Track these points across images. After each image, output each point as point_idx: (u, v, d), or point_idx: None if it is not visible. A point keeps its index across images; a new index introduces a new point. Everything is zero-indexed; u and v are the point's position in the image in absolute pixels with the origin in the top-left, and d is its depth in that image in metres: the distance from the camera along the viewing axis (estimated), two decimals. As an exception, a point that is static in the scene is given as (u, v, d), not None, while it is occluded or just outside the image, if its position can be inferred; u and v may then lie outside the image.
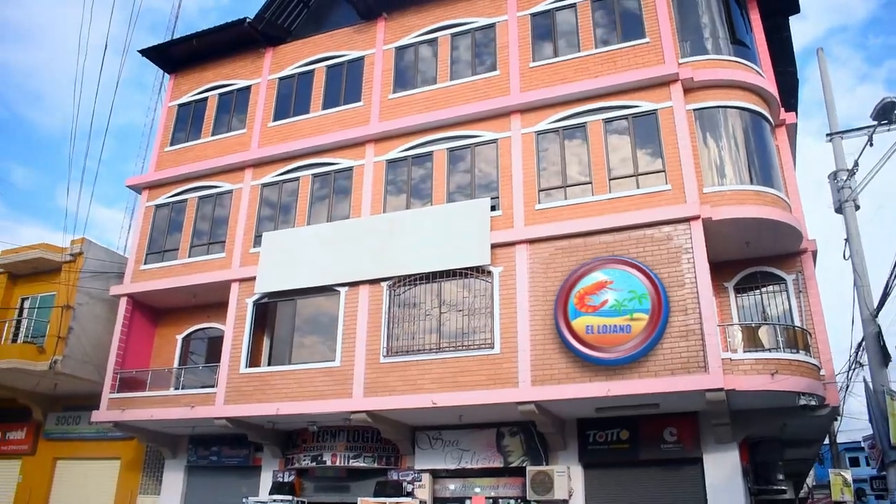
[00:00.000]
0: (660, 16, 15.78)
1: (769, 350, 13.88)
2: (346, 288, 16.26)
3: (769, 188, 14.84)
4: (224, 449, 18.40)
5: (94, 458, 20.22)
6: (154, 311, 19.61)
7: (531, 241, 14.99)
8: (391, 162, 17.13)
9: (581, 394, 13.52)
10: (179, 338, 19.26)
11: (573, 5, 16.77)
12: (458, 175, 16.43)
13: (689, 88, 15.31)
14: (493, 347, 14.54)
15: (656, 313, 13.42)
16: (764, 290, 15.71)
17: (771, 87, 15.89)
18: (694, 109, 15.25)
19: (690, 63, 15.47)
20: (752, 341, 14.52)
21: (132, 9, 21.35)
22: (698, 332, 13.18)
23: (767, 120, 15.77)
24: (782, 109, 16.53)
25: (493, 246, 15.16)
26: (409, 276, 15.70)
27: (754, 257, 15.58)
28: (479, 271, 15.23)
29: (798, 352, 13.83)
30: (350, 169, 17.48)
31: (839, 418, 18.85)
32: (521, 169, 15.65)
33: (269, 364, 16.91)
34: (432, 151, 16.77)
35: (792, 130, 17.03)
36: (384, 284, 15.92)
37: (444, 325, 15.20)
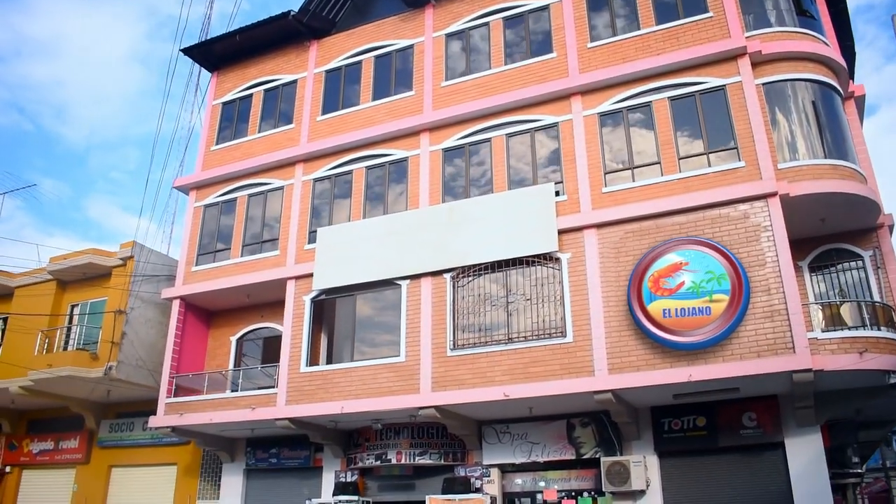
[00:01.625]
0: (722, -12, 15.27)
1: (855, 328, 13.40)
2: (408, 281, 15.89)
3: (845, 162, 14.30)
4: (283, 451, 18.10)
5: (150, 465, 20.04)
6: (206, 312, 19.36)
7: (599, 226, 14.54)
8: (448, 150, 16.74)
9: (661, 380, 13.05)
10: (233, 339, 18.97)
11: (630, -18, 16.29)
12: (519, 161, 16.01)
13: (757, 62, 14.79)
14: (565, 336, 14.10)
15: (737, 294, 12.92)
16: (840, 267, 15.17)
17: (839, 58, 15.33)
18: (762, 84, 14.74)
19: (758, 36, 14.96)
20: (833, 320, 14.04)
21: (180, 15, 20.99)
22: (783, 311, 12.68)
23: (838, 92, 15.23)
24: (851, 81, 15.96)
25: (560, 232, 14.72)
26: (473, 266, 15.30)
27: (828, 234, 15.07)
28: (547, 258, 14.79)
29: (883, 329, 13.32)
30: (405, 159, 17.11)
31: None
32: (584, 152, 15.21)
33: (329, 362, 16.59)
34: (490, 138, 16.36)
35: (860, 102, 16.46)
36: (447, 276, 15.53)
37: (511, 315, 14.78)
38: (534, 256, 14.84)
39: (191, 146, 21.98)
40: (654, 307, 13.37)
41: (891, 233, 15.13)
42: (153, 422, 17.69)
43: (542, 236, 14.75)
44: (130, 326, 18.77)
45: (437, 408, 14.61)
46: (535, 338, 14.37)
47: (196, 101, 24.41)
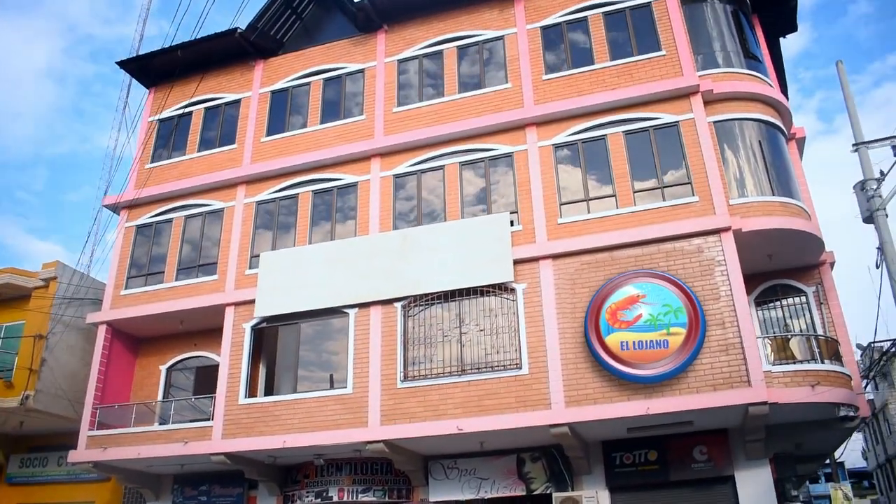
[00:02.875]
0: (675, 28, 15.62)
1: (805, 362, 13.65)
2: (356, 309, 15.31)
3: (792, 199, 14.70)
4: (214, 487, 17.03)
5: (66, 504, 18.51)
6: (134, 339, 18.17)
7: (555, 257, 14.42)
8: (399, 176, 16.37)
9: (618, 413, 12.91)
10: (163, 368, 17.84)
11: (584, 19, 16.48)
12: (473, 190, 15.78)
13: (708, 101, 15.11)
14: (520, 368, 13.81)
15: (694, 327, 12.97)
16: (784, 302, 15.51)
17: (783, 99, 15.84)
18: (712, 122, 15.04)
19: (708, 76, 15.30)
20: (782, 354, 14.29)
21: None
22: (738, 345, 12.80)
23: (783, 132, 15.70)
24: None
25: (515, 262, 14.51)
26: (425, 295, 14.88)
27: (773, 270, 15.40)
28: (502, 289, 14.53)
29: (831, 362, 13.62)
30: (354, 184, 16.63)
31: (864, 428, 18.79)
32: (540, 182, 15.12)
33: (269, 393, 15.78)
34: (444, 165, 16.10)
35: (801, 143, 17.03)
36: (398, 304, 15.05)
37: (465, 346, 14.41)
38: (488, 286, 14.56)
39: (123, 164, 20.79)
40: (612, 339, 13.26)
41: (831, 269, 15.56)
42: (73, 456, 16.34)
43: (498, 266, 14.50)
44: (51, 353, 17.42)
45: (386, 442, 14.02)
46: (489, 369, 14.02)
47: (125, 118, 23.43)
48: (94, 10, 78.30)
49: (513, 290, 14.45)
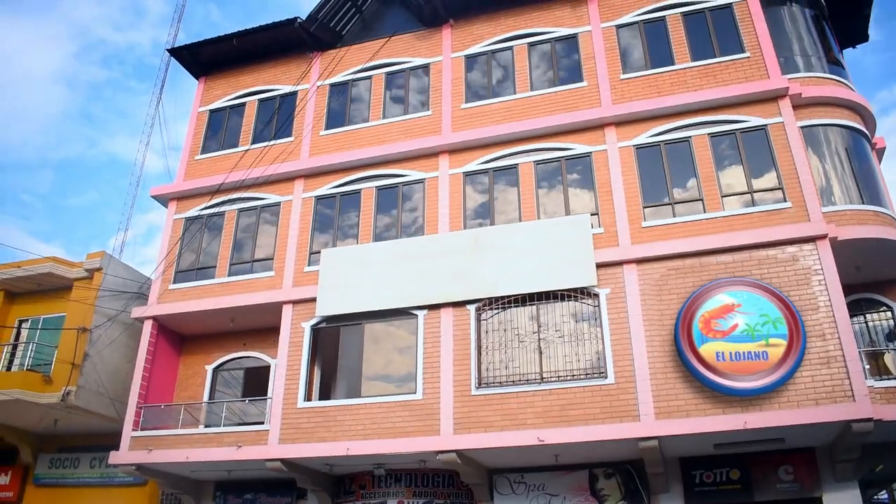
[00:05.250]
0: (759, 31, 15.15)
1: (897, 378, 13.07)
2: (425, 311, 14.60)
3: (883, 208, 14.16)
4: (260, 496, 16.21)
5: (98, 509, 17.59)
6: (179, 337, 17.38)
7: (640, 261, 13.80)
8: (470, 174, 15.74)
9: (713, 427, 12.23)
10: (209, 368, 17.04)
11: (662, 19, 15.99)
12: (549, 190, 15.16)
13: (794, 105, 14.58)
14: (605, 377, 13.14)
15: (795, 339, 12.34)
16: (869, 317, 14.92)
17: (868, 106, 15.34)
18: (800, 127, 14.52)
19: (792, 80, 14.78)
20: (876, 369, 13.72)
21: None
22: (839, 358, 12.18)
23: (868, 139, 15.20)
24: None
25: (597, 265, 13.87)
26: (501, 297, 14.20)
27: (859, 283, 14.80)
28: (583, 293, 13.88)
29: (928, 380, 13.03)
30: (421, 181, 15.97)
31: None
32: (621, 184, 14.53)
33: (327, 397, 15.05)
34: (517, 164, 15.48)
35: (880, 153, 16.55)
36: (470, 307, 14.35)
37: (543, 352, 13.72)
38: (569, 290, 13.90)
39: (175, 155, 20.06)
40: (707, 349, 12.61)
41: (916, 284, 15.01)
42: (115, 458, 15.48)
43: (580, 269, 13.85)
44: (94, 347, 16.56)
45: (458, 452, 13.28)
46: (571, 378, 13.34)
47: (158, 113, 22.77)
48: (107, 16, 77.46)
49: (595, 296, 13.80)
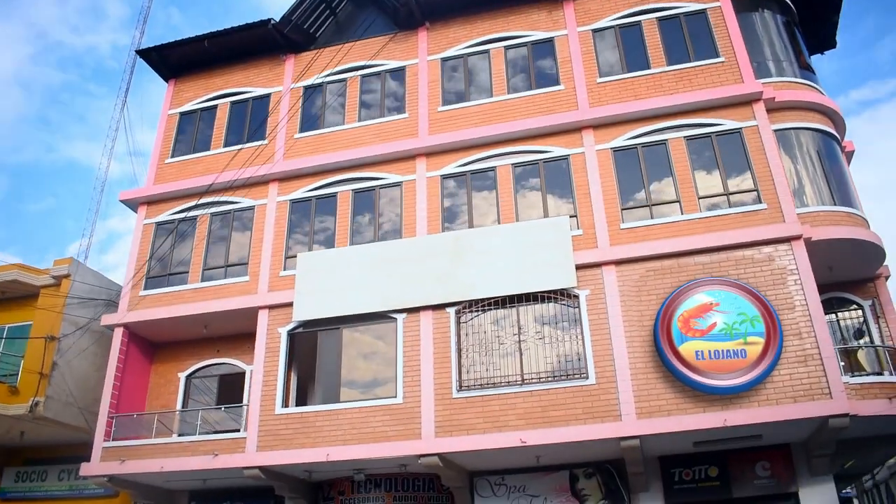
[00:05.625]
0: (732, 36, 15.41)
1: (876, 374, 13.36)
2: (405, 314, 14.49)
3: (853, 209, 14.47)
4: (235, 505, 15.90)
5: (66, 522, 17.10)
6: (150, 345, 16.97)
7: (619, 262, 13.88)
8: (447, 177, 15.68)
9: (694, 425, 12.35)
10: (182, 376, 16.67)
11: (637, 24, 16.15)
12: (527, 192, 15.18)
13: (767, 109, 14.82)
14: (587, 377, 13.17)
15: (772, 337, 12.52)
16: (840, 315, 15.22)
17: (838, 110, 15.66)
18: (773, 130, 14.76)
19: (765, 84, 15.03)
20: (850, 366, 14.00)
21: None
22: (816, 356, 12.41)
23: (839, 142, 15.52)
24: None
25: (577, 267, 13.91)
26: (481, 300, 14.16)
27: (830, 283, 15.08)
28: (563, 295, 13.90)
29: (901, 375, 13.34)
30: (398, 184, 15.87)
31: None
32: (599, 186, 14.61)
33: (304, 403, 14.85)
34: (495, 167, 15.47)
35: (849, 156, 16.91)
36: (450, 310, 14.28)
37: (525, 355, 13.70)
38: (549, 292, 13.91)
39: (138, 160, 19.62)
40: (686, 348, 12.72)
41: (886, 282, 15.36)
42: (86, 469, 15.02)
43: (560, 271, 13.88)
44: (62, 356, 16.10)
45: (440, 455, 13.18)
46: (552, 379, 13.35)
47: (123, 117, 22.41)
48: (64, 18, 75.93)
49: (575, 297, 13.84)
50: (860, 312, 15.12)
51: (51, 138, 78.38)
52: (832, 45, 18.53)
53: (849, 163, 16.95)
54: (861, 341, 14.88)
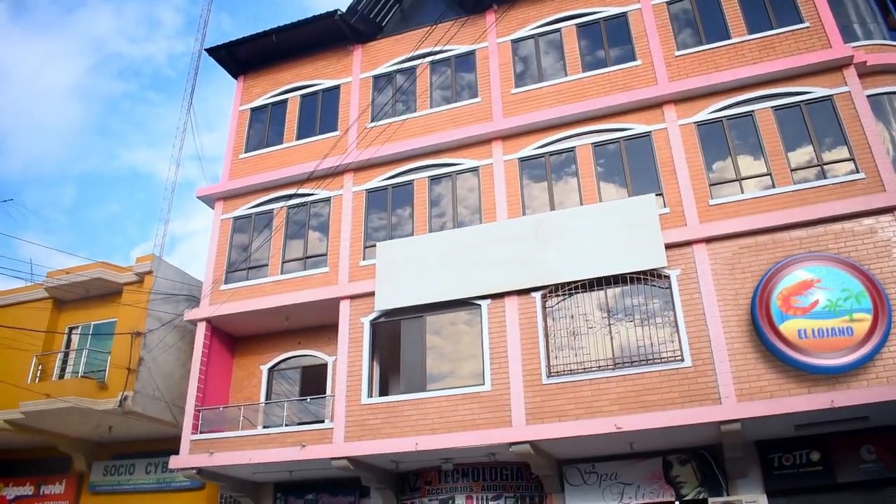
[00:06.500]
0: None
1: None
2: (489, 301, 14.28)
3: (957, 179, 13.69)
4: (322, 496, 15.94)
5: (155, 514, 17.40)
6: (231, 338, 17.15)
7: (709, 240, 13.41)
8: (525, 160, 15.40)
9: (798, 407, 11.80)
10: (265, 368, 16.80)
11: (714, -8, 15.57)
12: (609, 172, 14.80)
13: (858, 74, 14.16)
14: (682, 360, 12.76)
15: (880, 313, 11.92)
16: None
17: (935, 74, 14.87)
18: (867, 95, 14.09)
19: (859, 47, 14.36)
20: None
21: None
22: (927, 332, 11.75)
23: (936, 108, 14.74)
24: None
25: (666, 246, 13.50)
26: (567, 283, 13.86)
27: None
28: (653, 275, 13.51)
29: None
30: (475, 169, 15.65)
31: None
32: (685, 163, 14.15)
33: (386, 392, 14.79)
34: (574, 147, 15.12)
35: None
36: (535, 295, 14.02)
37: (615, 338, 13.37)
38: (638, 273, 13.53)
39: (211, 157, 19.81)
40: (788, 327, 12.21)
41: None
42: (175, 462, 15.26)
43: (648, 251, 13.49)
44: (148, 351, 16.34)
45: (532, 443, 12.95)
46: (645, 363, 12.98)
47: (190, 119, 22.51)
48: (121, 29, 77.33)
49: (665, 277, 13.43)
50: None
51: (112, 146, 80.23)
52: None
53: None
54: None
